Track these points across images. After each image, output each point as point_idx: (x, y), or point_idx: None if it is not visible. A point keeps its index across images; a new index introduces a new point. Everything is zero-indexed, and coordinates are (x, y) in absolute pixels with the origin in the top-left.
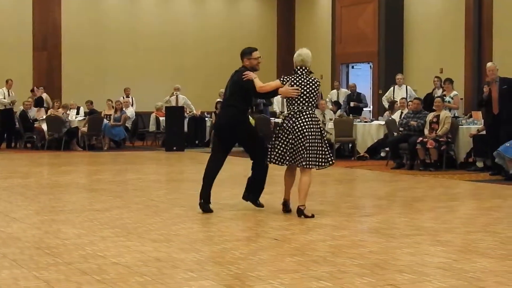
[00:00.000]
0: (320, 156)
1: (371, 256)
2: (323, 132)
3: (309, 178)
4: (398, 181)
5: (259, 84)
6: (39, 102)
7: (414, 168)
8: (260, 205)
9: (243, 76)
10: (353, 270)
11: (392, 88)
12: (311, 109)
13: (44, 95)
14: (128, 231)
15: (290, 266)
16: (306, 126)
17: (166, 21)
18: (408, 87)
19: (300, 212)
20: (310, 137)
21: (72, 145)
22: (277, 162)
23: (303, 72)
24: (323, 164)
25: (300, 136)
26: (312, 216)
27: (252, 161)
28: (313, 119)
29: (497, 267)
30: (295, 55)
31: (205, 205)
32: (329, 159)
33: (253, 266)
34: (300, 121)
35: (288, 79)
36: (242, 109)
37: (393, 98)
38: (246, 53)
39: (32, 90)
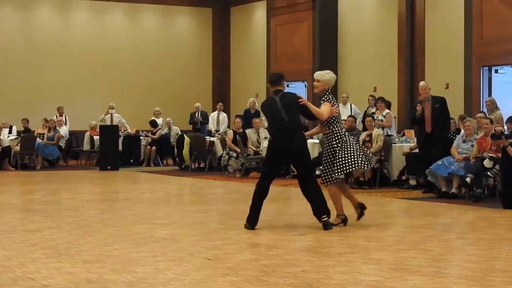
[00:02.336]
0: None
1: (304, 275)
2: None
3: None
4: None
5: (317, 109)
6: None
7: (348, 185)
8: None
9: (300, 101)
10: None
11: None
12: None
13: None
14: (59, 252)
15: (223, 286)
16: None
17: (99, 37)
18: (352, 105)
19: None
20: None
21: (4, 165)
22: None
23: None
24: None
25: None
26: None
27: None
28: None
29: (428, 285)
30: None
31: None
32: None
33: (186, 286)
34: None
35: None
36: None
37: None
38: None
39: None
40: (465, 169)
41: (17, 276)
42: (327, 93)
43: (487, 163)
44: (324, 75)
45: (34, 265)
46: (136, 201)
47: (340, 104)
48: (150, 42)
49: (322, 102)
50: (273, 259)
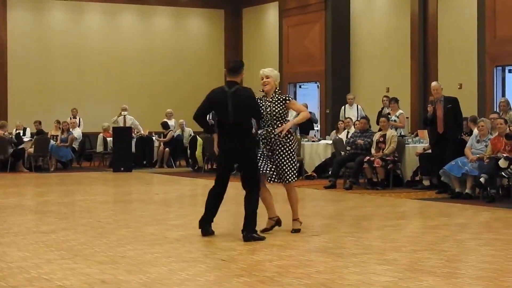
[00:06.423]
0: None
1: (318, 275)
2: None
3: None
4: (345, 200)
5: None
6: None
7: (361, 186)
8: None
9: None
10: None
11: (343, 107)
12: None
13: None
14: (74, 253)
15: (237, 287)
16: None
17: (111, 39)
18: (359, 106)
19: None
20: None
21: (18, 167)
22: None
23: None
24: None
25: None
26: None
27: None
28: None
29: (443, 286)
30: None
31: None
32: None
33: (200, 287)
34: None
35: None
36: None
37: (344, 117)
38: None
39: None
40: (479, 169)
41: (32, 277)
42: (279, 91)
43: (502, 163)
44: (273, 71)
45: (49, 266)
46: (150, 203)
47: (346, 106)
48: (162, 44)
49: (289, 101)
50: (287, 260)
